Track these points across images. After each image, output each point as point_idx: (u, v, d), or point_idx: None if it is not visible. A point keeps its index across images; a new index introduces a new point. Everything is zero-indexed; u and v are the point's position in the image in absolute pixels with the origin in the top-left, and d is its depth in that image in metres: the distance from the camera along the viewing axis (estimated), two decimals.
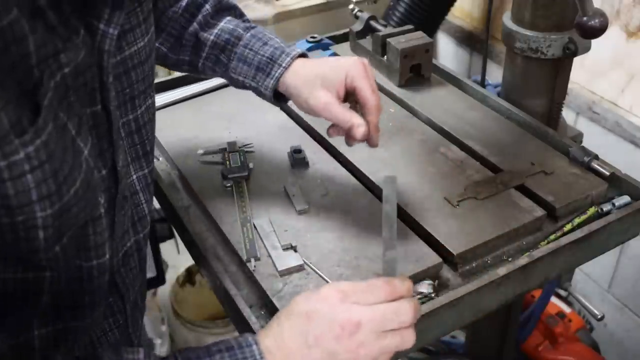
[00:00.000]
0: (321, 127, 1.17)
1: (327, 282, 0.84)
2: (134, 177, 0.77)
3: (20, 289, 0.60)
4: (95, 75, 0.62)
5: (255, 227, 0.93)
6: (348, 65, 0.87)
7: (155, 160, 1.14)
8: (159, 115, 1.17)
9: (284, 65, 0.91)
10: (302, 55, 0.94)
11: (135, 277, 0.81)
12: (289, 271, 0.86)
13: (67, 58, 0.57)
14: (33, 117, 0.53)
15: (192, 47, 0.98)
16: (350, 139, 0.88)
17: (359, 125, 0.84)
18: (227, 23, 0.97)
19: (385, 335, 0.64)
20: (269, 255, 0.88)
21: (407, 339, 0.66)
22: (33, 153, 0.53)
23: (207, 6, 0.98)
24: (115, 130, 0.68)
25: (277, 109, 1.25)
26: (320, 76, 0.88)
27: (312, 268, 0.86)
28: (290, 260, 0.87)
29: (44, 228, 0.56)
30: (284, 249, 0.89)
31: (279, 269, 0.86)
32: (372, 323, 0.64)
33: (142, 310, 0.87)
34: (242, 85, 0.97)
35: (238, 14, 1.01)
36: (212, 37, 0.96)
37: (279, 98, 0.96)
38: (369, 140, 0.88)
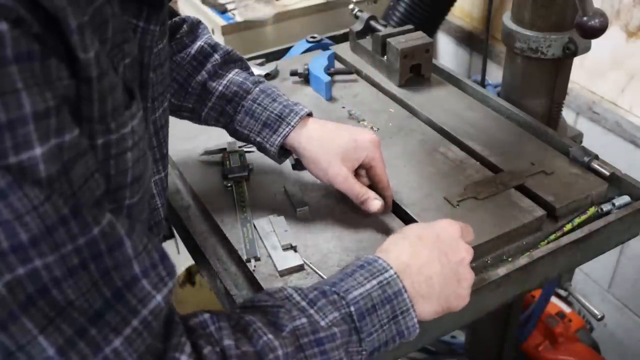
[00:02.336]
0: None
1: None
2: (152, 180, 0.77)
3: None
4: (137, 72, 0.63)
5: (255, 227, 0.93)
6: (368, 146, 0.92)
7: None
8: None
9: (292, 124, 0.92)
10: (309, 114, 0.95)
11: None
12: (289, 271, 0.86)
13: (129, 49, 0.58)
14: (128, 95, 0.55)
15: (198, 95, 0.97)
16: (364, 209, 0.92)
17: (375, 198, 0.91)
18: (235, 75, 0.97)
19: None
20: (269, 255, 0.88)
21: None
22: (136, 127, 0.56)
23: (217, 56, 0.98)
24: (148, 130, 0.69)
25: None
26: (342, 150, 0.91)
27: (312, 268, 0.86)
28: (290, 260, 0.87)
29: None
30: (284, 249, 0.89)
31: (279, 269, 0.86)
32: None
33: None
34: (246, 139, 0.97)
35: (245, 66, 1.02)
36: (220, 88, 0.96)
37: (283, 154, 0.96)
38: (385, 209, 0.94)
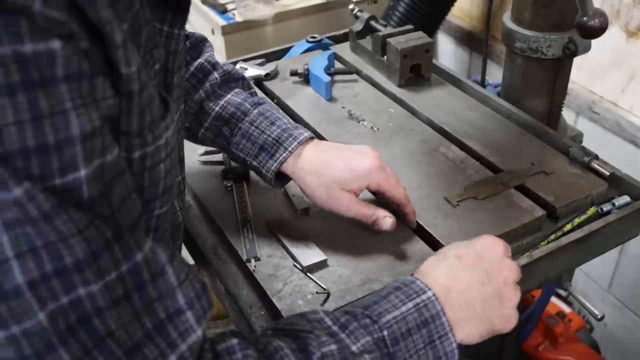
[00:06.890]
0: (322, 128, 1.17)
1: (322, 287, 0.84)
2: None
3: None
4: (163, 77, 0.62)
5: (255, 227, 0.93)
6: (366, 175, 0.86)
7: None
8: None
9: (289, 149, 0.87)
10: (311, 137, 0.90)
11: None
12: (315, 266, 0.86)
13: (158, 54, 0.57)
14: (164, 105, 0.54)
15: (195, 115, 0.93)
16: (378, 229, 0.88)
17: (385, 217, 0.87)
18: (234, 95, 0.93)
19: None
20: (289, 252, 0.88)
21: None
22: (170, 138, 0.55)
23: (216, 74, 0.94)
24: (179, 137, 0.67)
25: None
26: (338, 182, 0.85)
27: (308, 275, 0.86)
28: (314, 256, 0.87)
29: (154, 230, 0.58)
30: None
31: (304, 265, 0.85)
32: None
33: None
34: (242, 162, 0.93)
35: (246, 85, 0.98)
36: (217, 109, 0.92)
37: (280, 180, 0.91)
38: (408, 223, 0.92)
